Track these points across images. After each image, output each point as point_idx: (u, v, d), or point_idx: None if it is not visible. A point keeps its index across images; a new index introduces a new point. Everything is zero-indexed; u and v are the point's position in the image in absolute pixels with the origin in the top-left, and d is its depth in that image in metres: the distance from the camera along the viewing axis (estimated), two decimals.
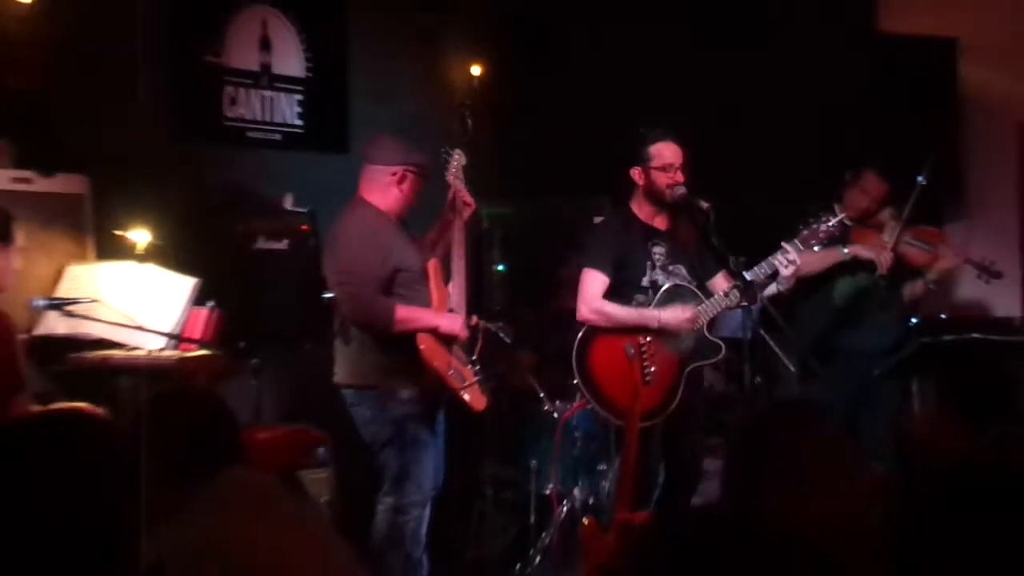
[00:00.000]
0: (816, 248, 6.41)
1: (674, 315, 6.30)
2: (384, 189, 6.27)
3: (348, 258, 6.10)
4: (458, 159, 6.43)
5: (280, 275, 7.23)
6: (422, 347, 6.10)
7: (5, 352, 5.27)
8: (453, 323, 6.22)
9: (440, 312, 6.22)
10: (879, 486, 3.30)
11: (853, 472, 3.08)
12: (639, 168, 6.43)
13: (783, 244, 6.25)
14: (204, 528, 3.24)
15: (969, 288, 8.19)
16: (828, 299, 7.35)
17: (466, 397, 6.23)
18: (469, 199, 6.38)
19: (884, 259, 7.24)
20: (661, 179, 6.38)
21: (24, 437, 2.74)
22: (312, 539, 3.43)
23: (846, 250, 7.24)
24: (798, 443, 3.04)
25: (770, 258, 6.22)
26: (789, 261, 6.22)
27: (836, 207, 7.31)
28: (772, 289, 6.32)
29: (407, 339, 6.10)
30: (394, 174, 6.27)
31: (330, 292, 6.27)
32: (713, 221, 6.29)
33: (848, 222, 7.18)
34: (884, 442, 7.01)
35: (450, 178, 6.39)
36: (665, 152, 6.40)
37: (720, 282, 6.48)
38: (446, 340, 6.21)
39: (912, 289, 7.50)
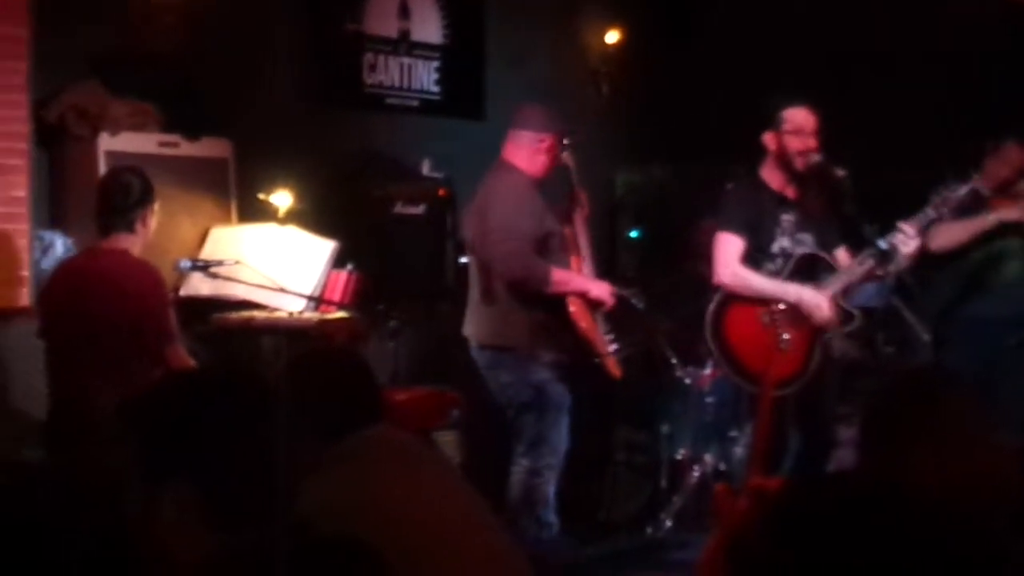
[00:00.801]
0: (947, 217, 6.35)
1: (813, 299, 6.24)
2: (531, 155, 6.36)
3: (505, 217, 6.18)
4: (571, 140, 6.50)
5: (417, 239, 7.32)
6: (572, 308, 6.20)
7: (157, 302, 5.42)
8: (603, 289, 6.33)
9: (588, 277, 6.31)
10: (1015, 453, 3.30)
11: (987, 437, 3.08)
12: (771, 133, 6.38)
13: (899, 224, 6.18)
14: (351, 485, 3.27)
15: None
16: (968, 267, 7.26)
17: (608, 363, 6.30)
18: (582, 197, 6.47)
19: None
20: (793, 144, 6.32)
21: (194, 385, 2.81)
22: (457, 496, 3.49)
23: (991, 216, 7.14)
24: (931, 409, 3.05)
25: (890, 236, 6.16)
26: (909, 238, 6.16)
27: (974, 176, 7.23)
28: (892, 268, 6.25)
29: (555, 302, 6.19)
30: (542, 141, 6.36)
31: (471, 255, 6.36)
32: (848, 189, 6.25)
33: (985, 192, 7.10)
34: (1019, 412, 6.94)
35: (565, 157, 6.48)
36: (798, 117, 6.34)
37: (842, 255, 6.43)
38: (592, 306, 6.29)
39: None
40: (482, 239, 6.24)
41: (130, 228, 5.45)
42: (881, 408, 3.17)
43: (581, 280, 6.33)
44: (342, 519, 3.14)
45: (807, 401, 6.31)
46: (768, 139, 6.40)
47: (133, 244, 5.47)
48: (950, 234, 6.99)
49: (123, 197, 5.47)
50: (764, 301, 6.26)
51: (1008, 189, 7.28)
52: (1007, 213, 7.15)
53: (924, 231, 6.27)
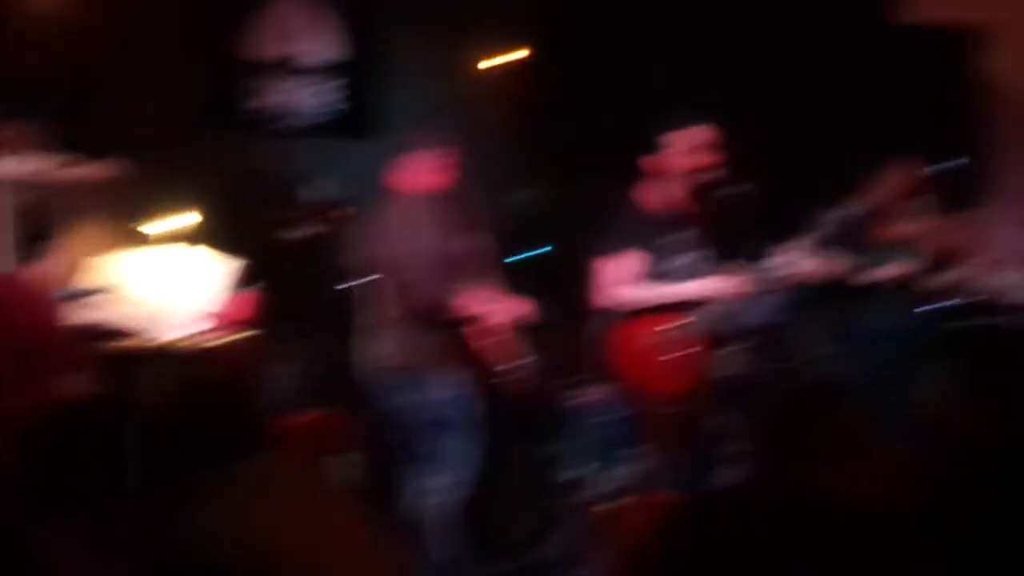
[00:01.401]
0: (839, 235, 6.45)
1: (714, 283, 6.30)
2: (430, 175, 6.35)
3: (409, 240, 6.16)
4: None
5: (314, 261, 7.27)
6: (474, 329, 6.20)
7: (45, 331, 5.30)
8: (506, 313, 6.41)
9: (496, 298, 6.36)
10: (904, 463, 3.34)
11: (878, 448, 3.12)
12: (662, 153, 6.43)
13: (793, 242, 6.27)
14: (235, 513, 3.25)
15: (1000, 274, 8.17)
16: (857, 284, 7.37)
17: (508, 383, 6.29)
18: (481, 219, 6.53)
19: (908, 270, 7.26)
20: (687, 164, 6.39)
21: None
22: (343, 524, 3.46)
23: (877, 272, 7.27)
24: (823, 422, 3.08)
25: (775, 257, 6.24)
26: (801, 256, 6.25)
27: (866, 196, 7.36)
28: (787, 284, 6.36)
29: (457, 322, 6.19)
30: (442, 159, 6.34)
31: (369, 276, 6.33)
32: (741, 207, 6.32)
33: (868, 215, 7.23)
34: (917, 422, 7.03)
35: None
36: (693, 137, 6.41)
37: (736, 270, 6.49)
38: (493, 326, 6.28)
39: (943, 279, 7.53)
40: (387, 261, 6.21)
41: (33, 255, 5.37)
42: (774, 421, 3.19)
43: (484, 302, 6.37)
44: (230, 545, 3.12)
45: (701, 415, 6.36)
46: (658, 159, 6.43)
47: (33, 270, 5.39)
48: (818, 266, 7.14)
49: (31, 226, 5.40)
50: (659, 317, 6.29)
51: (892, 213, 7.40)
52: (886, 273, 7.24)
53: (813, 251, 6.36)
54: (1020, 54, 8.55)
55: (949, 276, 7.53)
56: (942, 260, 7.49)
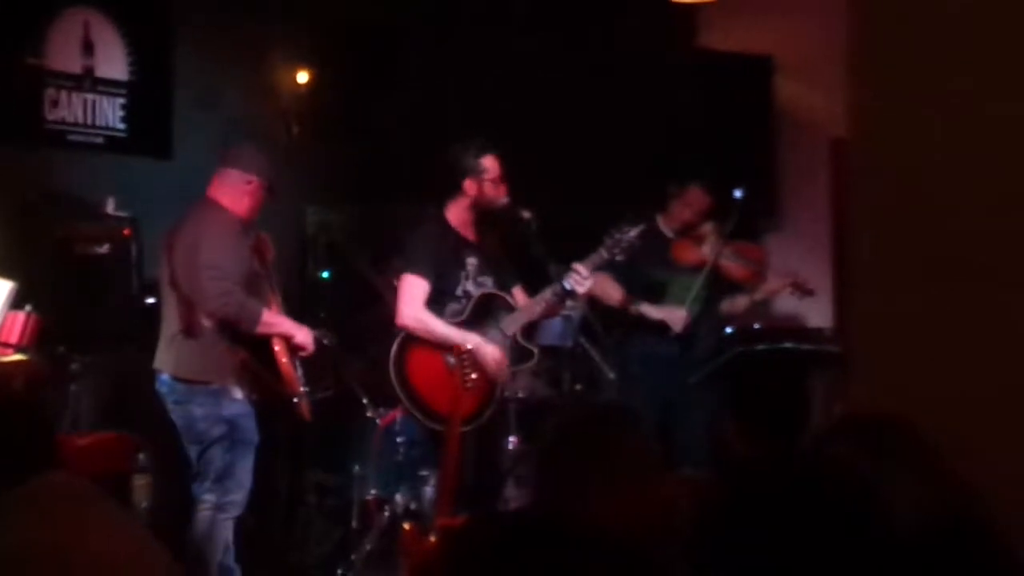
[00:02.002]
0: (619, 258, 6.55)
1: (490, 353, 6.40)
2: (238, 195, 6.37)
3: (217, 255, 6.18)
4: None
5: (101, 280, 7.18)
6: (277, 348, 6.26)
7: None
8: (305, 334, 6.39)
9: (294, 321, 6.39)
10: (690, 488, 3.40)
11: (660, 475, 3.16)
12: (471, 179, 6.48)
13: (574, 265, 6.38)
14: (19, 533, 3.24)
15: (784, 301, 8.38)
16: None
17: (301, 405, 6.30)
18: (265, 240, 6.53)
19: (676, 320, 7.39)
20: (492, 191, 6.47)
21: None
22: (129, 543, 3.43)
23: (635, 307, 7.39)
24: (606, 446, 3.11)
25: (565, 277, 6.34)
26: (582, 279, 6.36)
27: (659, 218, 7.49)
28: (571, 307, 6.47)
29: (258, 341, 6.23)
30: (249, 183, 6.37)
31: (171, 288, 6.29)
32: (534, 230, 6.39)
33: (667, 233, 7.36)
34: (699, 446, 7.18)
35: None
36: (495, 164, 6.48)
37: (519, 294, 6.59)
38: (292, 349, 6.29)
39: (733, 304, 7.71)
40: (192, 274, 6.17)
41: None
42: (555, 443, 3.21)
43: (288, 324, 6.38)
44: (15, 565, 3.09)
45: (487, 437, 6.43)
46: (468, 185, 6.50)
47: None
48: (602, 292, 7.26)
49: None
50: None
51: (689, 232, 7.55)
52: (651, 312, 7.39)
53: (597, 271, 6.46)
54: (804, 83, 8.78)
55: (739, 301, 7.70)
56: (734, 283, 7.66)
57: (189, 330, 6.25)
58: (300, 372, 6.41)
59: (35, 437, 3.51)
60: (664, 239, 7.51)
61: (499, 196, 6.50)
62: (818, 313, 8.61)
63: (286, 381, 6.28)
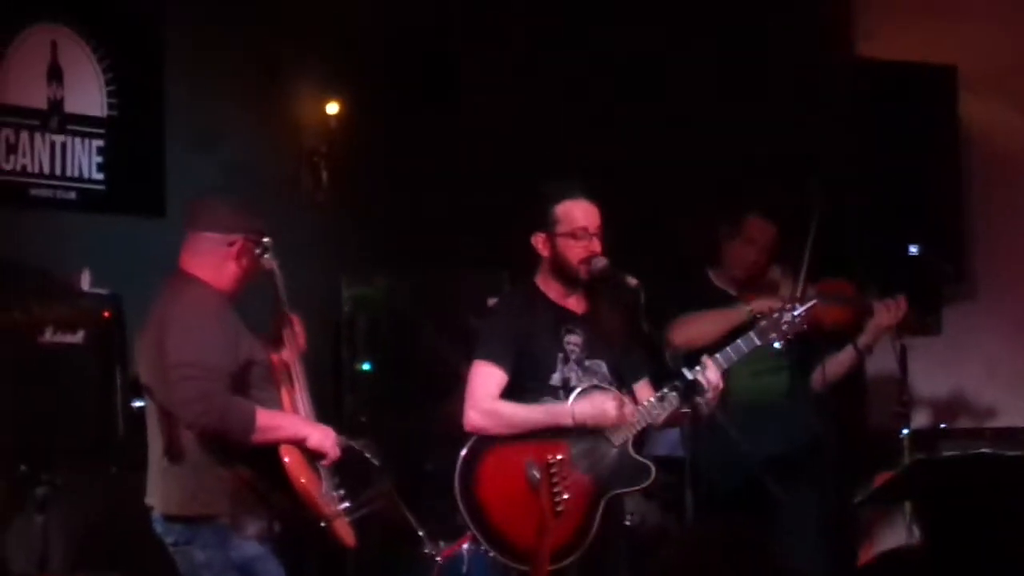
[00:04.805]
0: (777, 345, 6.52)
1: (594, 407, 6.35)
2: (218, 264, 6.31)
3: (191, 347, 6.09)
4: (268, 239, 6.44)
5: (74, 376, 7.18)
6: (287, 460, 6.12)
7: None
8: (325, 437, 6.25)
9: (306, 419, 6.26)
10: None
11: None
12: (543, 234, 6.48)
13: (704, 359, 6.35)
14: None
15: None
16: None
17: (337, 529, 6.24)
18: (296, 323, 6.44)
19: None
20: (572, 249, 6.45)
21: None
22: None
23: (746, 308, 7.33)
24: None
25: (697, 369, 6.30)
26: (709, 378, 6.32)
27: (710, 275, 7.45)
28: (701, 403, 6.38)
29: (263, 453, 6.12)
30: (231, 244, 6.31)
31: (148, 397, 6.26)
32: (644, 302, 6.36)
33: (731, 289, 7.35)
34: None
35: (265, 261, 6.42)
36: (576, 213, 6.48)
37: (644, 390, 6.54)
38: (313, 456, 6.23)
39: (836, 363, 7.62)
40: (161, 377, 6.15)
41: None
42: None
43: (297, 423, 6.26)
44: None
45: None
46: (539, 242, 6.48)
47: None
48: (696, 327, 7.18)
49: None
50: (534, 448, 6.30)
51: (756, 280, 7.49)
52: (761, 304, 7.29)
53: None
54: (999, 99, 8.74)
55: (842, 358, 7.63)
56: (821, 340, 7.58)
57: (172, 451, 6.19)
58: (330, 484, 6.33)
59: None
60: (725, 298, 7.46)
61: (581, 256, 6.46)
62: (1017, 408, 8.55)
63: (307, 503, 6.19)
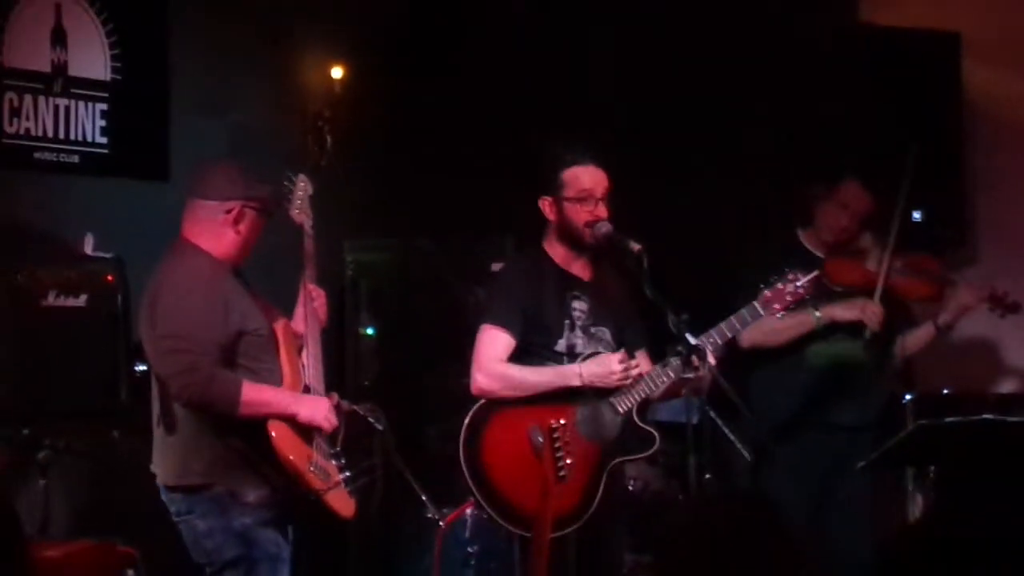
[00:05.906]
0: (780, 316, 6.50)
1: (600, 366, 6.36)
2: (217, 231, 6.27)
3: (179, 318, 6.07)
4: (303, 188, 6.43)
5: (77, 340, 7.18)
6: (274, 434, 6.09)
7: None
8: (315, 410, 6.23)
9: (296, 393, 6.24)
10: None
11: None
12: (549, 199, 6.47)
13: (710, 332, 6.35)
14: None
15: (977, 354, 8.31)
16: (795, 371, 7.42)
17: (330, 501, 6.23)
18: (317, 291, 6.43)
19: (871, 315, 7.31)
20: (578, 213, 6.44)
21: None
22: None
23: (819, 313, 7.30)
24: (743, 554, 3.09)
25: (702, 337, 6.28)
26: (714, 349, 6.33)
27: (800, 234, 7.42)
28: (703, 371, 6.35)
29: (252, 426, 6.09)
30: (229, 211, 6.27)
31: (148, 362, 6.26)
32: (647, 267, 6.34)
33: (819, 251, 7.31)
34: (859, 549, 7.12)
35: (295, 214, 6.40)
36: (583, 177, 6.45)
37: (642, 360, 6.54)
38: (305, 428, 6.21)
39: (915, 337, 7.60)
40: (152, 348, 6.15)
41: None
42: (677, 552, 3.19)
43: (285, 399, 6.21)
44: None
45: (592, 545, 6.37)
46: (545, 206, 6.48)
47: None
48: (765, 331, 7.15)
49: None
50: (538, 411, 6.31)
51: (846, 245, 7.46)
52: (841, 312, 7.32)
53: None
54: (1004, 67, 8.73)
55: (921, 334, 7.61)
56: (906, 313, 7.57)
57: (167, 422, 6.17)
58: (327, 453, 6.30)
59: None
60: (811, 260, 7.42)
61: (586, 220, 6.45)
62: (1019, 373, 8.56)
63: (295, 479, 6.16)
